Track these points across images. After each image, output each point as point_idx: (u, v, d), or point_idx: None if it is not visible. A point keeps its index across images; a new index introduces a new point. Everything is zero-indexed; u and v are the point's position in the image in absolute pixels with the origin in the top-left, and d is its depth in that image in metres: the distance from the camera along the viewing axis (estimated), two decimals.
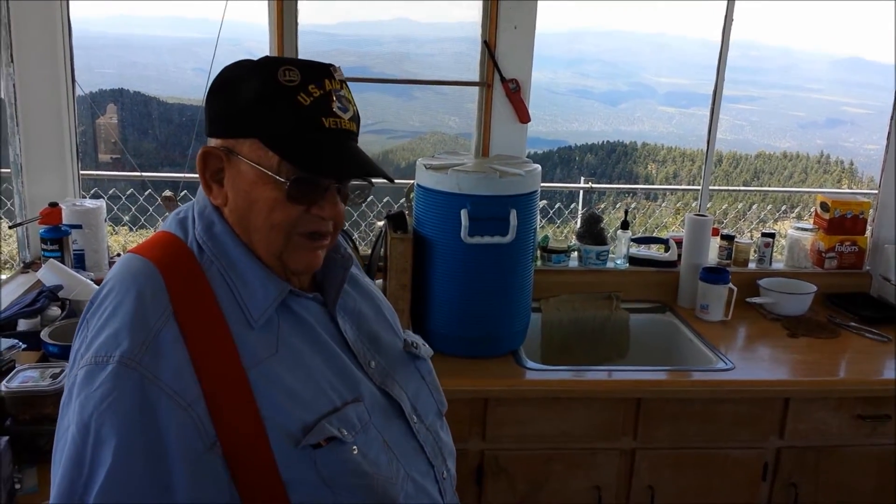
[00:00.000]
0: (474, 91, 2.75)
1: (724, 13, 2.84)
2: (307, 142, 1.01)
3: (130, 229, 4.20)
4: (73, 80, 2.65)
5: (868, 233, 2.99)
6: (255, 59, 1.05)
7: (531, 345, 2.53)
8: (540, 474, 2.23)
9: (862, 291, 2.93)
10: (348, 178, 1.07)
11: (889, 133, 2.94)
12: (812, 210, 3.09)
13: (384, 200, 4.01)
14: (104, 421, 0.90)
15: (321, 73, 1.03)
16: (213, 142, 1.05)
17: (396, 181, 2.83)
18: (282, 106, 1.00)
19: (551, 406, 2.18)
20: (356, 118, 1.08)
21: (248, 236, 1.05)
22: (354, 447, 1.02)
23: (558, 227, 4.74)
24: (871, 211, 2.97)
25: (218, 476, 0.94)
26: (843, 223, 2.92)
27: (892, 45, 2.97)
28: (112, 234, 4.27)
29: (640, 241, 2.98)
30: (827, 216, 2.93)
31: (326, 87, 1.02)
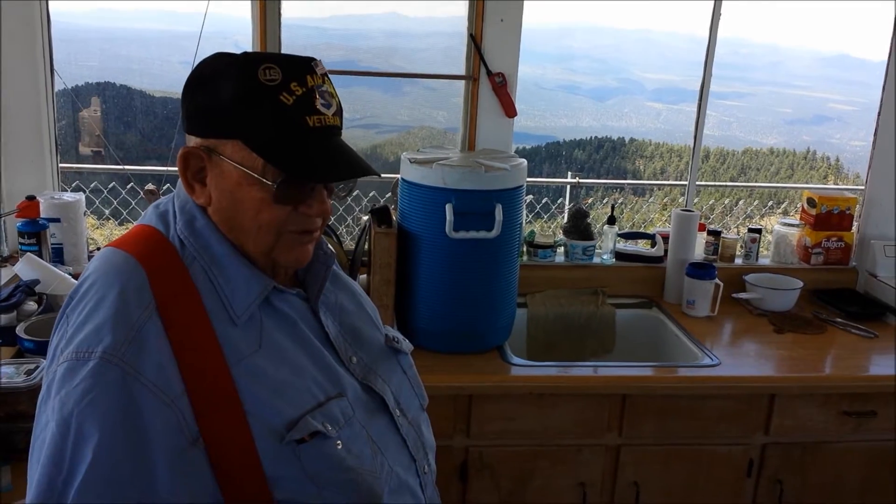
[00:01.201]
0: (462, 86, 2.73)
1: (711, 9, 2.84)
2: (292, 144, 0.99)
3: (118, 223, 4.15)
4: (53, 73, 2.62)
5: (854, 228, 2.99)
6: (233, 53, 1.03)
7: (517, 340, 2.51)
8: (525, 471, 2.21)
9: (848, 287, 2.93)
10: (336, 180, 1.05)
11: (875, 129, 2.94)
12: (798, 206, 3.09)
13: (370, 195, 3.97)
14: (85, 417, 0.88)
15: (303, 68, 1.00)
16: (192, 140, 1.03)
17: (383, 175, 2.81)
18: (264, 107, 0.97)
19: (536, 402, 2.17)
20: (339, 111, 1.06)
21: (234, 235, 1.04)
22: (339, 442, 1.01)
23: (546, 221, 4.73)
24: (857, 207, 2.97)
25: (201, 472, 0.93)
26: (829, 219, 2.92)
27: (878, 42, 2.97)
28: (97, 227, 4.23)
29: (626, 236, 2.97)
30: (814, 212, 2.92)
31: (308, 83, 1.00)
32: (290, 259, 1.06)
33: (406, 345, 1.27)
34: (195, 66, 1.04)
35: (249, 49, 2.58)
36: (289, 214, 1.02)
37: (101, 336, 0.92)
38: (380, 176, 1.09)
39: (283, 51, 2.58)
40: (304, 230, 1.05)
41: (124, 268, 0.99)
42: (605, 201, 5.12)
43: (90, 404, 0.89)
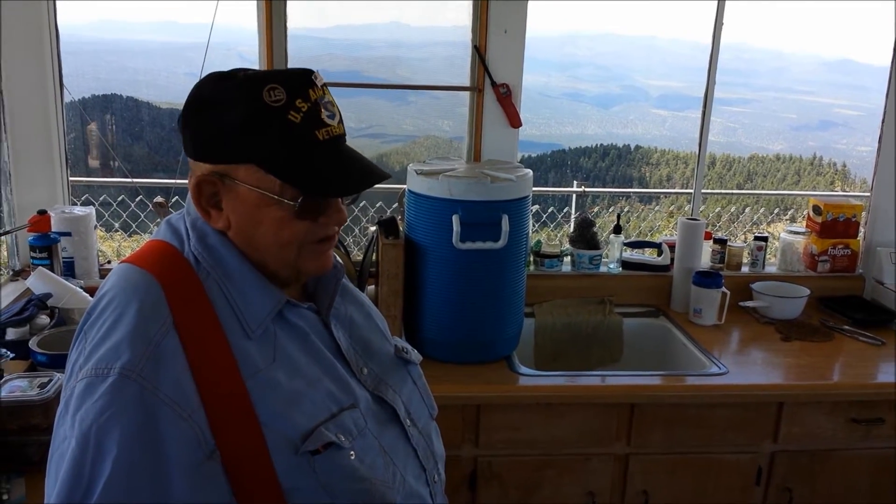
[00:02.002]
0: (466, 95, 2.75)
1: (714, 15, 2.85)
2: (306, 161, 1.00)
3: (127, 235, 4.18)
4: (62, 86, 2.64)
5: (861, 236, 2.99)
6: (230, 74, 1.03)
7: (524, 350, 2.52)
8: (533, 480, 2.22)
9: (855, 294, 2.93)
10: (355, 192, 1.07)
11: (880, 136, 2.95)
12: (805, 213, 3.09)
13: (377, 205, 3.99)
14: (104, 433, 0.90)
15: (304, 83, 1.01)
16: (201, 166, 1.03)
17: (389, 186, 2.82)
18: (274, 129, 0.98)
19: (544, 412, 2.17)
20: (341, 118, 1.07)
21: (258, 254, 1.05)
22: (352, 452, 1.03)
23: (552, 231, 4.74)
24: (863, 214, 2.97)
25: (217, 485, 0.94)
26: (835, 226, 2.92)
27: (882, 46, 2.98)
28: (105, 240, 4.25)
29: (633, 245, 2.98)
30: (819, 219, 2.93)
31: (312, 97, 1.01)
32: (315, 267, 1.09)
33: (415, 355, 1.29)
34: (192, 90, 1.04)
35: (256, 60, 2.61)
36: (308, 227, 1.04)
37: (120, 352, 0.94)
38: (390, 176, 1.10)
39: (289, 61, 2.60)
40: (324, 238, 1.07)
41: (141, 284, 1.00)
42: (611, 209, 5.13)
43: (109, 419, 0.90)
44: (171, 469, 0.91)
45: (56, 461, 0.94)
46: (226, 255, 1.05)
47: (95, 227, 2.64)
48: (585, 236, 2.82)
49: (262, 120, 0.98)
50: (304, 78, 1.02)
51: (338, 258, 1.20)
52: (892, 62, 2.88)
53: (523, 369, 2.28)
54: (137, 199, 3.43)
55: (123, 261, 1.07)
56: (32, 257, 2.41)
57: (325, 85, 1.05)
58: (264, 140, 0.99)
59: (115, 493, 0.89)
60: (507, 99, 2.67)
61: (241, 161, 1.01)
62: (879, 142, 2.95)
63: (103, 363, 0.94)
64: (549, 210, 4.59)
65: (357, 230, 3.84)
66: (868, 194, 3.06)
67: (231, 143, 1.00)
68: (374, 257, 2.43)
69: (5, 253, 2.68)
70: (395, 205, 2.64)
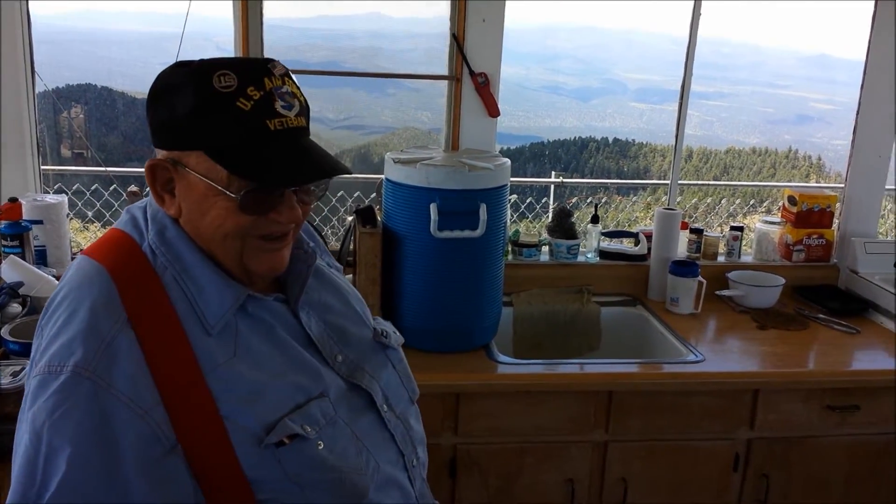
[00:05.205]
0: (445, 86, 2.74)
1: (691, 10, 2.86)
2: (254, 151, 0.97)
3: (101, 225, 4.14)
4: (34, 75, 2.60)
5: (835, 226, 3.02)
6: (191, 61, 1.01)
7: (503, 339, 2.52)
8: (512, 468, 2.22)
9: (829, 284, 2.95)
10: (302, 184, 1.03)
11: (854, 128, 2.97)
12: (780, 204, 3.12)
13: (355, 195, 3.98)
14: (56, 431, 0.89)
15: (259, 71, 0.98)
16: (159, 153, 1.02)
17: (369, 176, 2.79)
18: (222, 115, 0.95)
19: (523, 400, 2.18)
20: (304, 111, 1.03)
21: (205, 244, 1.03)
22: (320, 443, 1.02)
23: (530, 221, 4.75)
24: (837, 204, 3.00)
25: (179, 479, 0.93)
26: (810, 216, 2.94)
27: (857, 41, 3.00)
28: (80, 230, 4.20)
29: (610, 234, 2.99)
30: (794, 210, 2.95)
31: (266, 86, 0.97)
32: (264, 268, 1.05)
33: (396, 338, 1.27)
34: (154, 79, 1.02)
35: (232, 50, 2.58)
36: (254, 221, 1.01)
37: (73, 349, 0.92)
38: (350, 173, 1.05)
39: (265, 52, 2.58)
40: (270, 235, 1.03)
41: (96, 280, 0.98)
42: (588, 201, 5.15)
43: (61, 417, 0.89)
44: (127, 466, 0.90)
45: (16, 456, 0.94)
46: (184, 250, 1.02)
47: (68, 215, 2.60)
48: (563, 226, 2.83)
49: (210, 106, 0.95)
50: (260, 66, 0.99)
51: (310, 244, 1.18)
52: (867, 57, 2.91)
53: (502, 357, 2.28)
54: (111, 188, 3.39)
55: (83, 252, 1.05)
56: (4, 245, 2.37)
57: (286, 75, 1.01)
58: (212, 127, 0.96)
59: (70, 491, 0.88)
60: (485, 88, 2.66)
61: (191, 148, 0.98)
62: (854, 134, 2.98)
63: (56, 360, 0.93)
64: (528, 201, 4.60)
65: (335, 220, 3.82)
66: (842, 186, 3.09)
67: (181, 129, 0.98)
68: (351, 246, 2.41)
69: None
70: (374, 195, 2.63)
